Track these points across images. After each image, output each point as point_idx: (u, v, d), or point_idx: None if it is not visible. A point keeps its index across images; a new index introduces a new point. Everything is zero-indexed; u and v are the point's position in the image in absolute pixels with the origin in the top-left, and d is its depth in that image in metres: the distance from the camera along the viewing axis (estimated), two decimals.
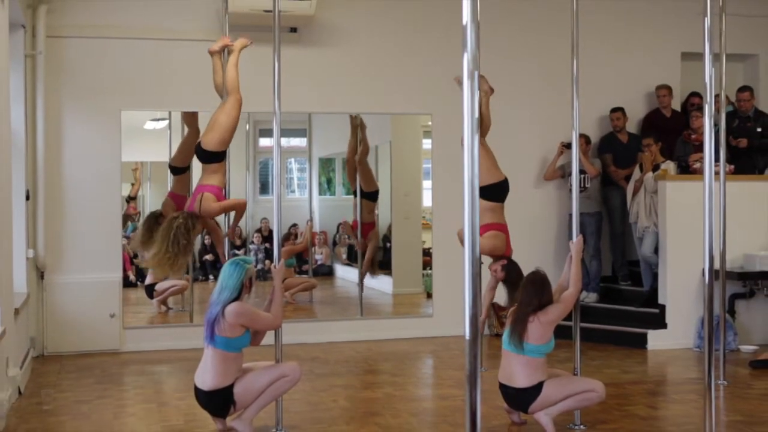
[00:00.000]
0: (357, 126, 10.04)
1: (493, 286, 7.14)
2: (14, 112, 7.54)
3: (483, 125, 7.02)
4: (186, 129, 8.50)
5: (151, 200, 10.46)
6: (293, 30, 9.21)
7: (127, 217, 10.00)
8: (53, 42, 8.60)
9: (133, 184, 10.13)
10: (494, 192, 6.74)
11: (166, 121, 9.66)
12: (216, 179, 6.85)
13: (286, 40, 8.72)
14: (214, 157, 6.82)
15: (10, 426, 5.91)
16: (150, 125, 9.89)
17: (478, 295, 2.87)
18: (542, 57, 9.70)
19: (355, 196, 10.20)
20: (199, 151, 6.87)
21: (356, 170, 10.09)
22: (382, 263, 10.72)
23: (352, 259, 10.62)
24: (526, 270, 5.99)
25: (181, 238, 6.47)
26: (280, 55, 5.89)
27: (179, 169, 8.26)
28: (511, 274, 6.79)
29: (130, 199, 10.05)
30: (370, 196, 10.24)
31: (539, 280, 5.65)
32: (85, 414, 6.30)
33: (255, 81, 8.18)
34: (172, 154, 9.45)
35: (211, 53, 7.00)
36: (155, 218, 8.04)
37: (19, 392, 6.83)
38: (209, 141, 6.78)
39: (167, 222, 6.69)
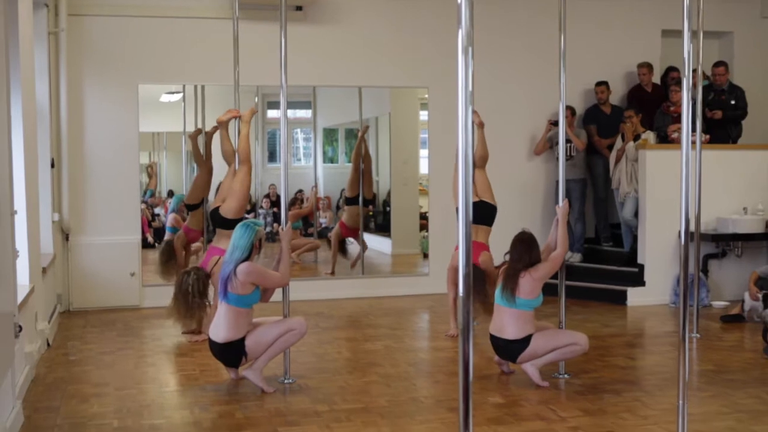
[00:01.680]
0: (363, 137, 10.08)
1: None
2: (39, 86, 7.52)
3: (479, 156, 7.20)
4: (197, 168, 8.68)
5: (168, 169, 10.47)
6: (299, 8, 9.14)
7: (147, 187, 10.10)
8: (74, 20, 8.55)
9: (150, 178, 10.19)
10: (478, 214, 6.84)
11: (180, 94, 9.63)
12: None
13: (292, 19, 8.66)
14: (229, 224, 6.85)
15: (40, 375, 5.97)
16: (165, 98, 9.86)
17: (470, 255, 2.89)
18: (531, 35, 9.64)
19: (350, 203, 10.06)
20: (218, 217, 6.99)
21: (360, 178, 10.06)
22: (381, 226, 10.75)
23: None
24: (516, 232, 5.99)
25: (197, 296, 6.69)
26: (287, 32, 5.87)
27: (193, 206, 8.49)
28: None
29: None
30: (370, 202, 10.32)
31: (527, 239, 5.67)
32: (108, 364, 6.35)
33: (263, 57, 8.17)
34: (186, 126, 9.50)
35: (220, 123, 7.02)
36: (170, 247, 8.51)
37: (48, 344, 6.88)
38: (228, 209, 6.91)
39: (180, 278, 6.87)
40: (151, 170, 10.23)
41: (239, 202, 6.94)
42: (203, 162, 8.39)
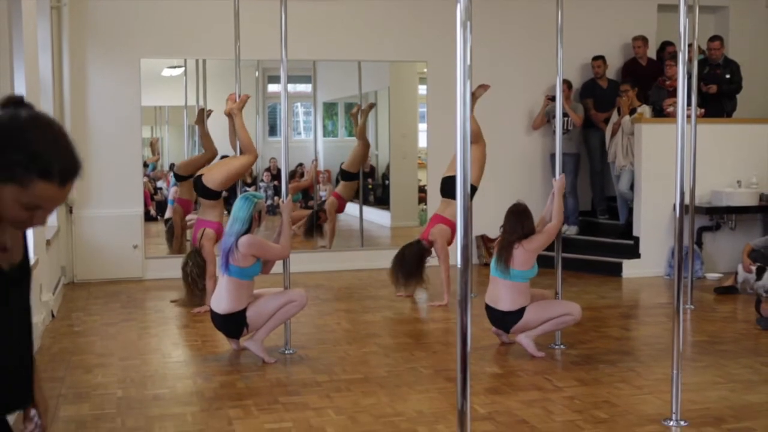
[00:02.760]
0: (366, 114, 10.02)
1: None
2: (42, 61, 7.46)
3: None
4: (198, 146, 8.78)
5: (170, 142, 10.43)
6: None
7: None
8: None
9: (153, 153, 10.17)
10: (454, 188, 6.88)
11: (182, 69, 9.58)
12: (214, 214, 7.05)
13: None
14: (210, 195, 6.92)
15: (45, 345, 5.96)
16: (167, 72, 9.81)
17: (469, 227, 2.88)
18: (529, 9, 9.56)
19: (349, 178, 9.94)
20: (199, 185, 7.02)
21: (363, 153, 10.00)
22: (380, 199, 10.72)
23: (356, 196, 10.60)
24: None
25: (197, 279, 6.98)
26: (287, 7, 5.81)
27: (183, 177, 8.47)
28: None
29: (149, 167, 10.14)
30: (369, 175, 10.38)
31: (520, 210, 5.64)
32: (112, 335, 6.35)
33: (264, 31, 8.11)
34: (187, 101, 9.46)
35: (232, 114, 6.93)
36: (173, 230, 8.62)
37: (52, 315, 6.88)
38: (211, 179, 6.95)
39: (182, 268, 7.08)
40: (153, 147, 10.20)
41: (226, 178, 6.94)
42: (211, 147, 8.39)
